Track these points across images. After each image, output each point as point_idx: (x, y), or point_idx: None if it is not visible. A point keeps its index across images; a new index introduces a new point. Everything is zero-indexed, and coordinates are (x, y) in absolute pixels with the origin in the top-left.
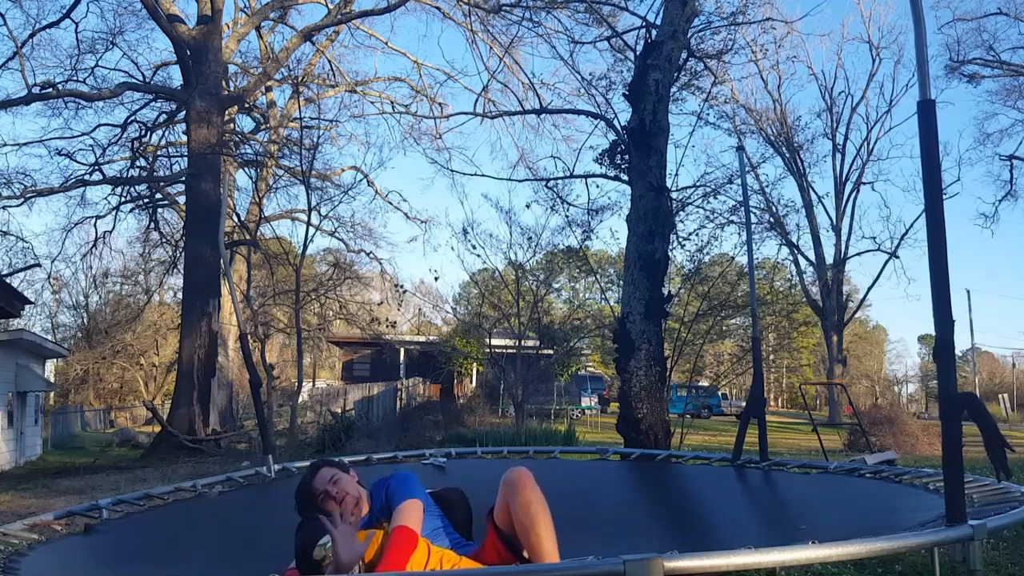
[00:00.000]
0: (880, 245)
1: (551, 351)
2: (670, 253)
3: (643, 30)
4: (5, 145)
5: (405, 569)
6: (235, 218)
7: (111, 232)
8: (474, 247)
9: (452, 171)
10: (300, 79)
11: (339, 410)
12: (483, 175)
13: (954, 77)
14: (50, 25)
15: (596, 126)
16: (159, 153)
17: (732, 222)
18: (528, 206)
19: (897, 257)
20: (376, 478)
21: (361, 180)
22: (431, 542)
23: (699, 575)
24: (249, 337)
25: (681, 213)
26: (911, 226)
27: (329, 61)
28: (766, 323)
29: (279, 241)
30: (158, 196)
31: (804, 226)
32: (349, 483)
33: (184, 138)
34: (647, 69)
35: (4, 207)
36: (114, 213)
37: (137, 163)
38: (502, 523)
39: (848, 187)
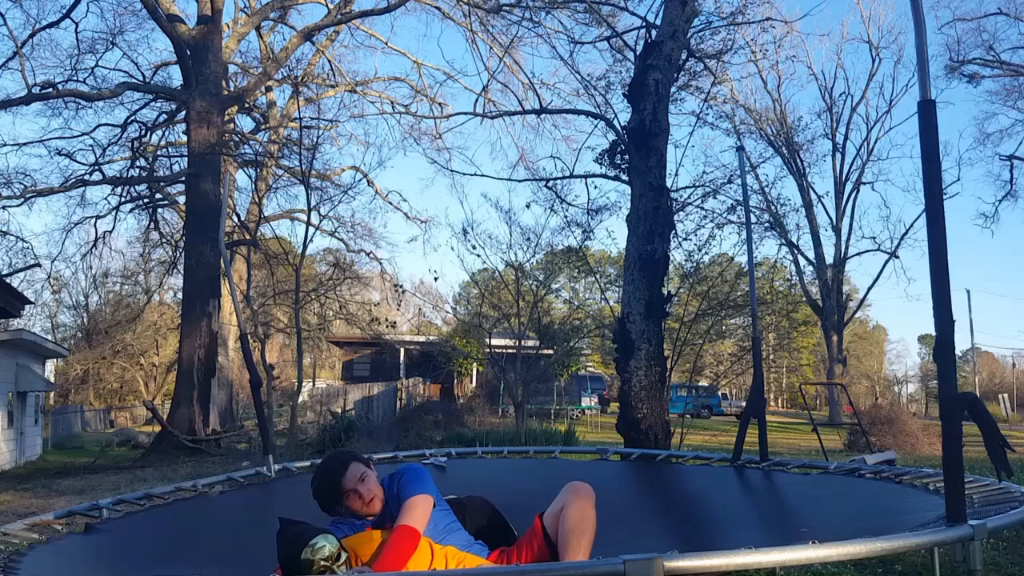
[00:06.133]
0: (880, 245)
1: (551, 351)
2: (670, 253)
3: (643, 30)
4: (5, 145)
5: (404, 569)
6: (235, 218)
7: (111, 232)
8: (474, 247)
9: (452, 171)
10: (300, 79)
11: (339, 410)
12: (483, 175)
13: (954, 77)
14: (50, 25)
15: (596, 126)
16: (159, 153)
17: (731, 222)
18: (528, 206)
19: (897, 257)
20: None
21: (361, 180)
22: (443, 539)
23: (699, 575)
24: (249, 337)
25: (680, 213)
26: (911, 226)
27: (329, 61)
28: (766, 323)
29: (279, 241)
30: (158, 196)
31: (804, 226)
32: (375, 482)
33: (184, 138)
34: (647, 69)
35: (4, 207)
36: (114, 213)
37: (137, 163)
38: (550, 526)
39: (848, 187)
